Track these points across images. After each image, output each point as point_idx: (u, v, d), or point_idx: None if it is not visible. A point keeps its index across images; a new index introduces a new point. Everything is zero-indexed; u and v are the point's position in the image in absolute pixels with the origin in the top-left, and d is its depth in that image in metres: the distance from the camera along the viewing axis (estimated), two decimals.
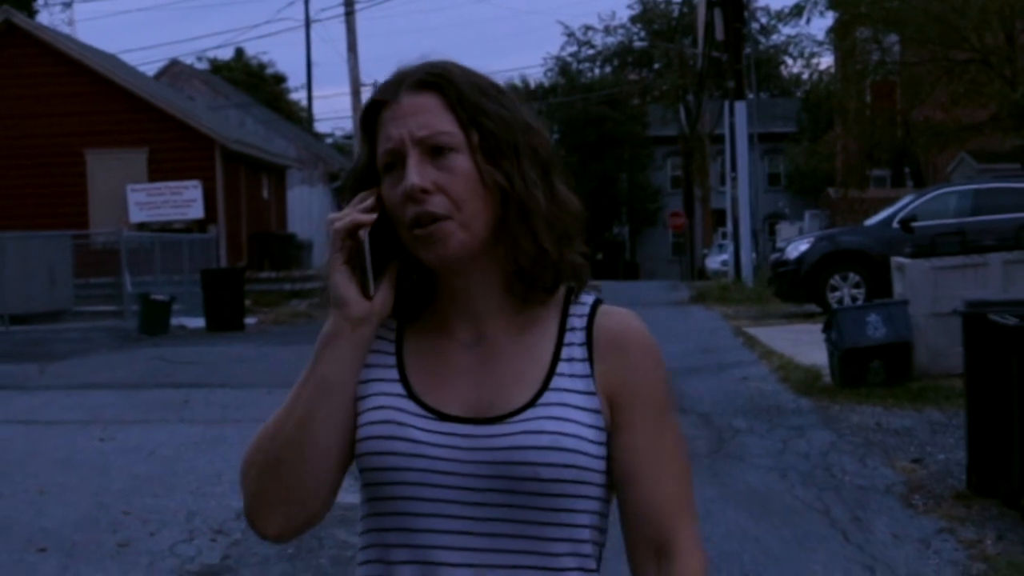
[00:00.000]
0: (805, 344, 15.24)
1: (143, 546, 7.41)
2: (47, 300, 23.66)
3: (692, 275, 47.19)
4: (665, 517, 1.82)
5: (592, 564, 1.81)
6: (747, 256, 28.09)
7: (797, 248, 20.54)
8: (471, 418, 1.77)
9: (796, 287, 20.13)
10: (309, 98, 52.77)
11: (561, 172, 1.83)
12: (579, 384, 1.79)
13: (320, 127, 53.60)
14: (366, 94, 35.49)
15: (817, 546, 7.16)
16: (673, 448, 1.83)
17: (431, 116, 1.76)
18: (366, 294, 1.76)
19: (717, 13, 25.15)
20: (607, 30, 63.01)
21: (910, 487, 8.60)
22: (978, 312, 8.19)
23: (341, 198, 1.83)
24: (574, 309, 1.84)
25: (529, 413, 1.76)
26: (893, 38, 32.37)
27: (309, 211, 37.33)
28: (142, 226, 26.94)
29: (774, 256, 22.95)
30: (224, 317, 21.90)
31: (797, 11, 29.58)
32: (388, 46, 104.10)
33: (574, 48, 64.39)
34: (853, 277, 19.48)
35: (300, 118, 48.01)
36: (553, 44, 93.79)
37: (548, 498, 1.74)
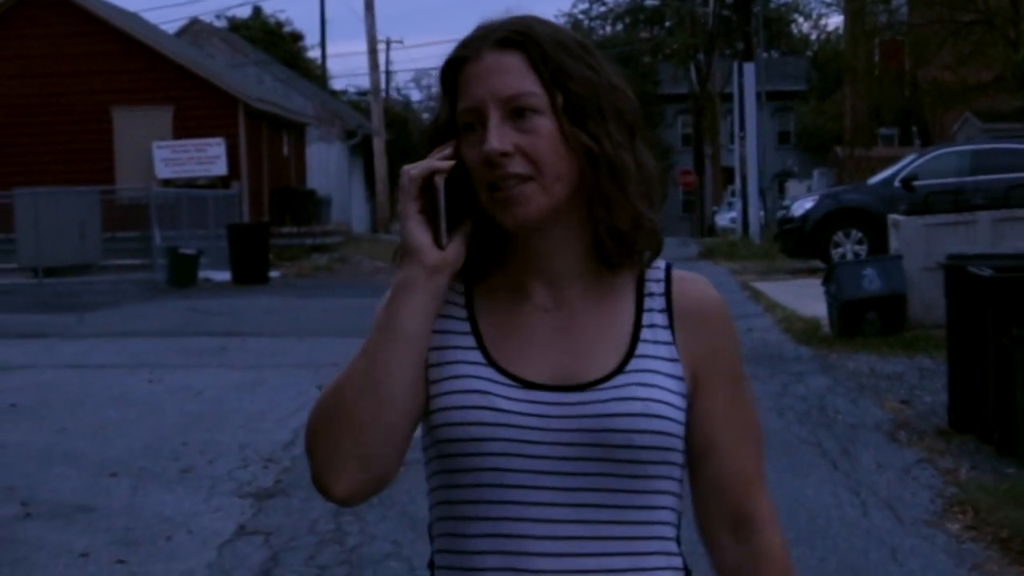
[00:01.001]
0: (808, 297, 16.03)
1: (204, 472, 8.26)
2: (77, 254, 24.50)
3: (702, 232, 47.90)
4: (743, 488, 1.80)
5: (672, 533, 1.79)
6: (755, 214, 28.85)
7: (802, 206, 21.32)
8: (556, 386, 1.73)
9: (801, 243, 20.91)
10: (323, 55, 53.44)
11: (644, 134, 1.81)
12: (663, 351, 1.77)
13: (336, 84, 54.21)
14: (382, 53, 36.15)
15: (809, 473, 7.98)
16: (749, 418, 1.82)
17: (514, 76, 1.72)
18: (438, 243, 1.73)
19: None
20: None
21: (896, 424, 9.43)
22: (958, 265, 8.99)
23: (420, 152, 1.80)
24: (650, 274, 1.81)
25: (618, 380, 1.73)
26: (897, 0, 32.88)
27: (327, 168, 38.07)
28: (167, 182, 27.74)
29: (780, 213, 23.74)
30: (249, 270, 22.75)
31: None
32: (404, 3, 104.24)
33: (586, 5, 64.84)
34: (856, 234, 20.24)
35: (317, 76, 48.69)
36: (565, 1, 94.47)
37: (639, 465, 1.72)
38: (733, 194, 44.01)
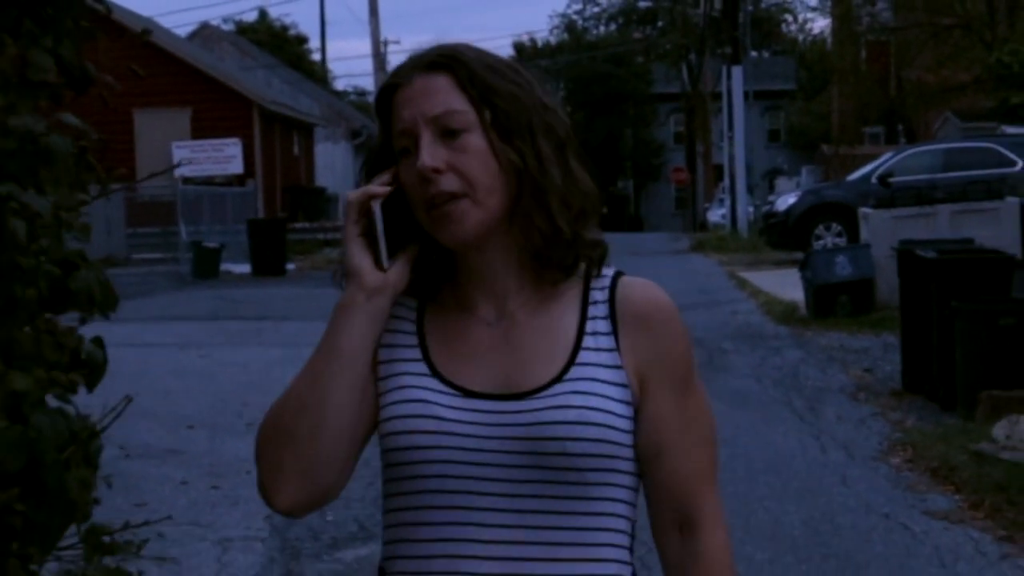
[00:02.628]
0: (788, 285, 17.52)
1: None
2: (104, 247, 25.97)
3: (694, 228, 49.38)
4: (690, 490, 1.82)
5: (624, 540, 1.80)
6: (743, 209, 30.37)
7: (786, 201, 22.83)
8: (496, 394, 1.77)
9: (785, 236, 22.39)
10: (323, 57, 54.95)
11: (577, 151, 1.83)
12: (605, 358, 1.79)
13: (335, 84, 55.62)
14: (390, 55, 37.65)
15: (779, 425, 9.46)
16: (699, 419, 1.83)
17: (442, 96, 1.77)
18: (379, 266, 1.77)
19: None
20: None
21: (858, 387, 10.93)
22: (908, 249, 10.48)
23: (360, 180, 1.85)
24: (595, 283, 1.83)
25: (555, 388, 1.75)
26: (882, 4, 34.38)
27: (333, 166, 39.58)
28: (186, 180, 29.21)
29: (765, 208, 25.25)
30: (268, 263, 24.28)
31: None
32: (400, 4, 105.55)
33: (579, 6, 66.27)
34: (835, 227, 21.73)
35: (320, 77, 50.20)
36: (559, 2, 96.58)
37: (577, 472, 1.74)
38: (724, 191, 45.53)
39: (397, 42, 79.78)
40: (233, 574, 6.41)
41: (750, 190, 32.10)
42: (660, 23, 63.02)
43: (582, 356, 1.78)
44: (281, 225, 25.54)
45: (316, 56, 54.53)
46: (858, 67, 39.61)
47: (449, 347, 1.81)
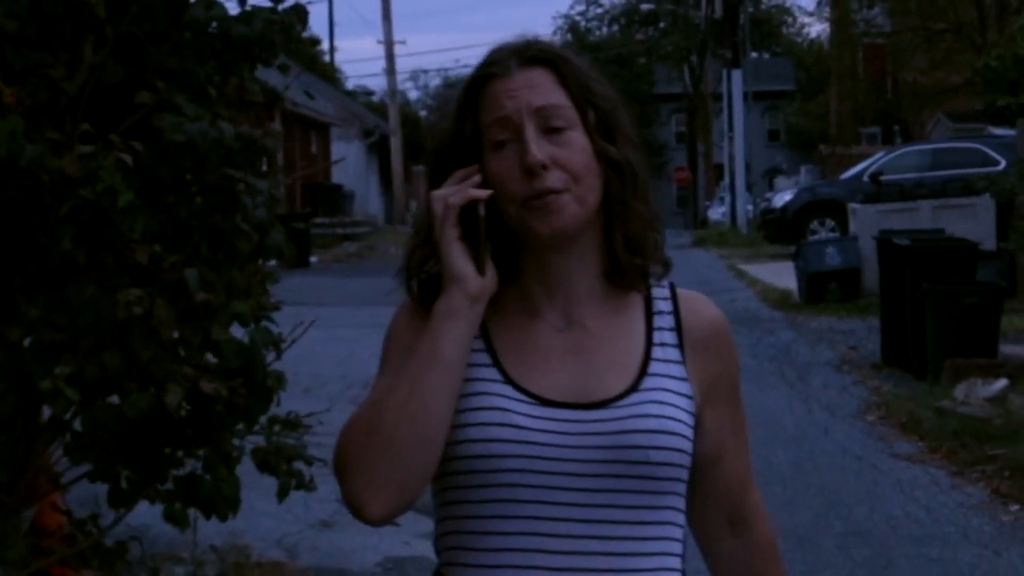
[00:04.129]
0: (784, 276, 18.86)
1: (335, 387, 11.06)
2: None
3: (695, 225, 50.68)
4: (742, 489, 1.89)
5: (680, 548, 1.83)
6: (742, 206, 31.73)
7: (783, 198, 24.20)
8: (573, 403, 1.76)
9: (781, 231, 23.74)
10: (331, 58, 56.24)
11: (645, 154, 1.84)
12: (673, 370, 1.81)
13: (347, 84, 56.84)
14: (396, 56, 38.95)
15: (771, 392, 10.81)
16: (744, 422, 1.90)
17: (547, 91, 1.76)
18: (480, 270, 1.75)
19: None
20: None
21: (842, 361, 12.28)
22: (886, 238, 11.83)
23: (434, 173, 1.82)
24: (656, 292, 1.85)
25: (633, 398, 1.76)
26: (877, 9, 35.72)
27: (347, 164, 40.86)
28: None
29: (763, 205, 26.60)
30: (294, 255, 25.59)
31: None
32: (405, 4, 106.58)
33: (583, 7, 67.51)
34: (829, 222, 23.06)
35: (331, 78, 51.48)
36: (562, 2, 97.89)
37: (654, 481, 1.75)
38: (725, 190, 46.83)
39: (403, 42, 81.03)
40: None
41: (749, 188, 33.47)
42: (662, 24, 64.25)
43: (653, 367, 1.80)
44: (306, 219, 26.90)
45: (326, 57, 55.80)
46: (855, 70, 40.99)
47: (518, 353, 1.80)
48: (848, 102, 39.86)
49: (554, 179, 1.74)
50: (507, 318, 1.82)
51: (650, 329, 1.83)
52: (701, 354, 1.84)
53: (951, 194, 16.49)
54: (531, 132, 1.74)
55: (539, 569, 1.73)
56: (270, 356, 4.43)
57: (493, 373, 1.78)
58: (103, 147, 3.96)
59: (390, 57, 37.91)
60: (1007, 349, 11.51)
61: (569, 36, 67.31)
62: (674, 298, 1.86)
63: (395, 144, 38.15)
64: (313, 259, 26.96)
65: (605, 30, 68.34)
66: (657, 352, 1.81)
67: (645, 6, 63.54)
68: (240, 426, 4.51)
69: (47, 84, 4.19)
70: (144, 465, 4.55)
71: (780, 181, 47.78)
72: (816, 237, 23.00)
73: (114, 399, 4.25)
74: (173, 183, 4.16)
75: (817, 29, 52.94)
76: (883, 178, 22.82)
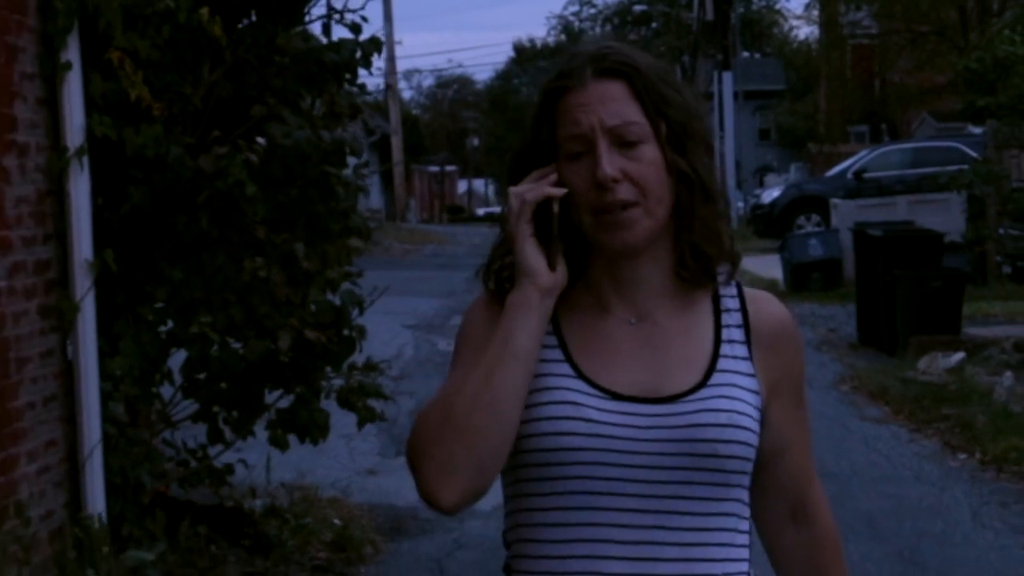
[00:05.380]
0: (771, 267, 20.04)
1: None
2: None
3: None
4: (803, 482, 1.93)
5: (745, 540, 1.87)
6: (733, 203, 32.95)
7: (771, 195, 25.46)
8: (643, 398, 1.80)
9: (770, 226, 24.97)
10: None
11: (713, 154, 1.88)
12: (742, 366, 1.85)
13: None
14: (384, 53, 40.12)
15: None
16: (806, 419, 1.94)
17: (620, 105, 1.79)
18: (552, 265, 1.81)
19: None
20: None
21: (822, 342, 13.49)
22: (861, 229, 13.05)
23: (514, 172, 1.87)
24: (724, 291, 1.89)
25: (703, 392, 1.81)
26: (860, 14, 36.96)
27: (350, 162, 42.08)
28: None
29: (752, 201, 27.84)
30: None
31: None
32: (400, 5, 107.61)
33: (576, 8, 68.61)
34: (815, 217, 24.28)
35: None
36: (556, 2, 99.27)
37: (722, 474, 1.80)
38: None
39: (399, 42, 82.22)
40: None
41: (739, 185, 34.72)
42: (655, 24, 65.36)
43: (722, 363, 1.84)
44: None
45: None
46: (843, 71, 42.28)
47: (589, 347, 1.84)
48: (836, 102, 41.16)
49: (624, 192, 1.79)
50: (578, 314, 1.87)
51: (719, 326, 1.87)
52: (767, 351, 1.88)
53: (926, 190, 17.70)
54: (603, 147, 1.78)
55: (610, 559, 1.78)
56: (354, 313, 5.61)
57: (565, 368, 1.83)
58: (232, 149, 5.15)
59: (391, 59, 39.07)
60: (974, 331, 12.74)
61: (563, 36, 68.44)
62: (741, 296, 1.90)
63: (396, 143, 39.34)
64: None
65: (598, 30, 69.45)
66: (726, 349, 1.85)
67: (638, 7, 64.68)
68: (328, 369, 5.70)
69: (180, 99, 5.39)
70: (248, 404, 5.75)
71: (770, 178, 48.99)
72: (802, 231, 24.25)
73: (236, 345, 5.44)
74: (282, 177, 5.35)
75: (805, 31, 54.33)
76: (866, 175, 24.04)
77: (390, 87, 40.82)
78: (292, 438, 5.84)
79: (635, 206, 1.79)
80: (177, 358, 5.72)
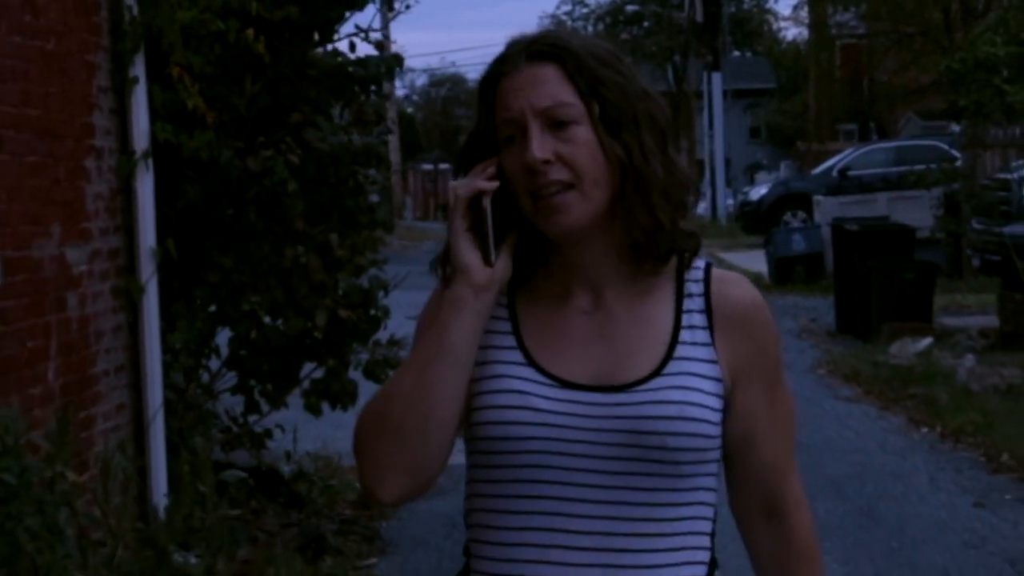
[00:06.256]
0: (757, 261, 20.90)
1: None
2: None
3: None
4: (776, 477, 1.86)
5: (708, 527, 1.84)
6: (722, 200, 33.79)
7: (758, 192, 26.31)
8: (594, 386, 1.78)
9: (757, 222, 25.84)
10: None
11: (675, 139, 1.86)
12: (701, 352, 1.80)
13: None
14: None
15: None
16: (784, 409, 1.88)
17: (551, 87, 1.77)
18: (487, 260, 1.78)
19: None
20: None
21: (803, 330, 14.32)
22: (839, 224, 13.88)
23: (459, 165, 1.85)
24: (689, 275, 1.84)
25: (655, 383, 1.77)
26: (847, 15, 37.81)
27: None
28: None
29: (740, 198, 28.70)
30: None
31: None
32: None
33: (569, 7, 69.39)
34: (801, 214, 25.14)
35: None
36: (548, 2, 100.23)
37: (673, 465, 1.77)
38: (707, 184, 48.86)
39: (394, 41, 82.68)
40: None
41: (729, 183, 35.58)
42: (646, 24, 66.14)
43: (679, 350, 1.80)
44: None
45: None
46: (832, 70, 43.17)
47: (544, 335, 1.82)
48: (825, 101, 42.06)
49: (556, 173, 1.76)
50: (537, 302, 1.85)
51: (679, 312, 1.82)
52: (730, 335, 1.82)
53: (904, 187, 18.54)
54: (535, 129, 1.76)
55: (560, 548, 1.77)
56: (379, 295, 6.41)
57: (516, 356, 1.81)
58: (276, 152, 5.95)
59: None
60: (948, 320, 13.59)
61: None
62: (708, 280, 1.84)
63: (393, 142, 40.17)
64: None
65: (591, 29, 70.19)
66: (685, 335, 1.81)
67: (630, 7, 65.46)
68: (356, 345, 6.50)
69: (228, 107, 6.19)
70: (283, 377, 6.55)
71: (760, 176, 49.84)
72: (785, 227, 25.10)
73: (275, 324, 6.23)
74: (318, 176, 6.14)
75: (793, 32, 55.37)
76: (850, 173, 24.89)
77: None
78: (324, 409, 6.64)
79: (570, 188, 1.77)
80: (221, 337, 6.52)
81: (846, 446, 8.89)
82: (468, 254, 1.78)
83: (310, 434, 7.66)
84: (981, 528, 7.02)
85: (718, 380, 1.81)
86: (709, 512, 1.84)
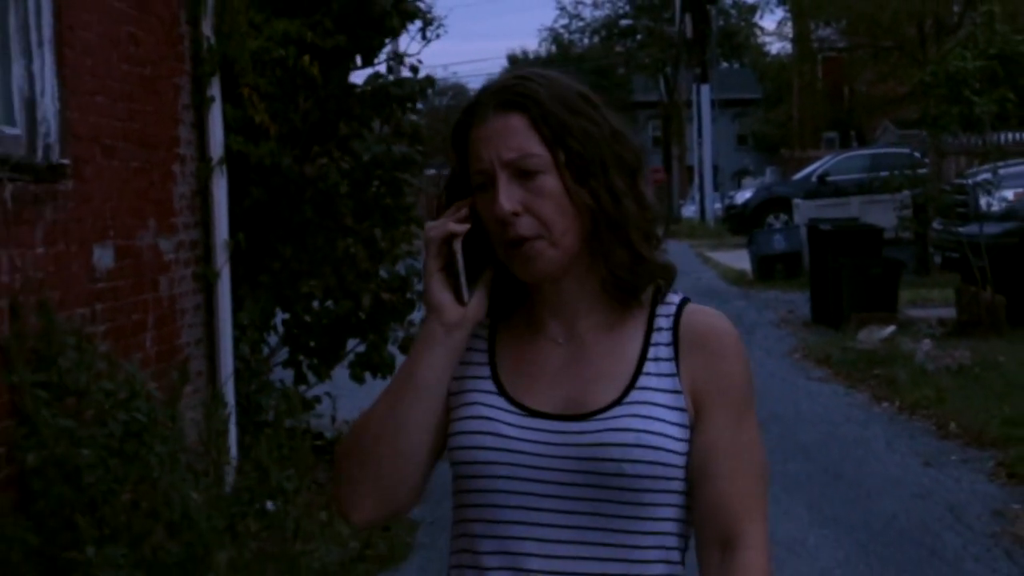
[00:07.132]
0: (742, 260, 22.16)
1: None
2: None
3: (670, 220, 53.59)
4: (735, 514, 1.82)
5: (676, 556, 1.84)
6: (710, 204, 35.10)
7: (743, 196, 27.59)
8: (559, 415, 1.81)
9: (742, 224, 27.09)
10: None
11: (644, 173, 1.84)
12: (665, 383, 1.81)
13: None
14: None
15: None
16: (749, 445, 1.84)
17: (518, 138, 1.79)
18: (460, 300, 1.82)
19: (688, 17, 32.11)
20: (595, 3, 69.25)
21: (781, 321, 15.52)
22: (813, 224, 15.09)
23: (436, 206, 1.90)
24: (661, 309, 1.86)
25: (615, 411, 1.79)
26: (828, 30, 39.10)
27: None
28: None
29: (726, 202, 29.95)
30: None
31: (751, 10, 36.10)
32: None
33: (566, 21, 70.58)
34: (783, 216, 26.34)
35: None
36: (547, 15, 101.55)
37: (632, 493, 1.78)
38: (696, 189, 50.14)
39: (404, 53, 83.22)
40: None
41: (717, 188, 36.86)
42: (639, 37, 67.30)
43: (642, 380, 1.81)
44: None
45: None
46: (814, 82, 44.50)
47: (517, 367, 1.86)
48: (807, 110, 43.39)
49: (525, 226, 1.78)
50: (514, 335, 1.89)
51: (647, 344, 1.84)
52: (692, 361, 1.83)
53: (874, 191, 19.77)
54: (503, 181, 1.78)
55: (531, 572, 1.81)
56: (414, 281, 7.55)
57: (488, 385, 1.86)
58: (330, 159, 7.11)
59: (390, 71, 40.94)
60: (913, 312, 14.79)
61: (553, 48, 70.36)
62: (679, 313, 1.86)
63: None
64: None
65: (587, 42, 71.36)
66: (650, 367, 1.82)
67: (624, 21, 66.70)
68: (394, 324, 7.65)
69: (287, 122, 7.34)
70: (330, 352, 7.70)
71: (747, 181, 51.10)
72: (767, 228, 26.32)
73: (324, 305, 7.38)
74: (363, 180, 7.29)
75: (777, 47, 56.80)
76: (828, 178, 26.09)
77: None
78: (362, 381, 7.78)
79: (538, 239, 1.79)
80: (278, 318, 7.65)
81: (815, 418, 10.05)
82: (440, 294, 1.83)
83: (347, 405, 8.80)
84: (928, 483, 8.15)
85: (682, 410, 1.82)
86: (673, 541, 1.84)
